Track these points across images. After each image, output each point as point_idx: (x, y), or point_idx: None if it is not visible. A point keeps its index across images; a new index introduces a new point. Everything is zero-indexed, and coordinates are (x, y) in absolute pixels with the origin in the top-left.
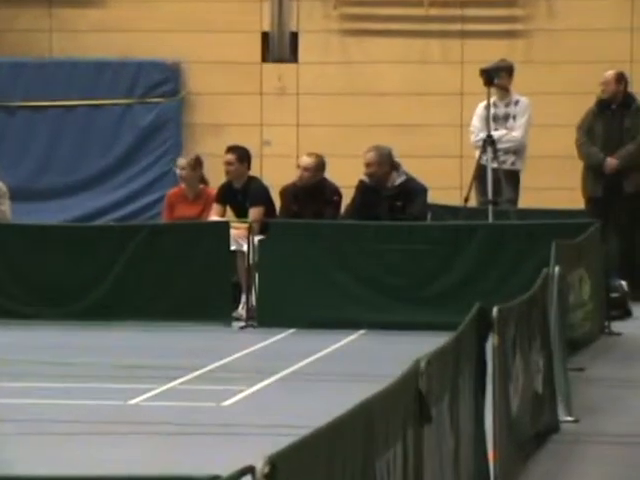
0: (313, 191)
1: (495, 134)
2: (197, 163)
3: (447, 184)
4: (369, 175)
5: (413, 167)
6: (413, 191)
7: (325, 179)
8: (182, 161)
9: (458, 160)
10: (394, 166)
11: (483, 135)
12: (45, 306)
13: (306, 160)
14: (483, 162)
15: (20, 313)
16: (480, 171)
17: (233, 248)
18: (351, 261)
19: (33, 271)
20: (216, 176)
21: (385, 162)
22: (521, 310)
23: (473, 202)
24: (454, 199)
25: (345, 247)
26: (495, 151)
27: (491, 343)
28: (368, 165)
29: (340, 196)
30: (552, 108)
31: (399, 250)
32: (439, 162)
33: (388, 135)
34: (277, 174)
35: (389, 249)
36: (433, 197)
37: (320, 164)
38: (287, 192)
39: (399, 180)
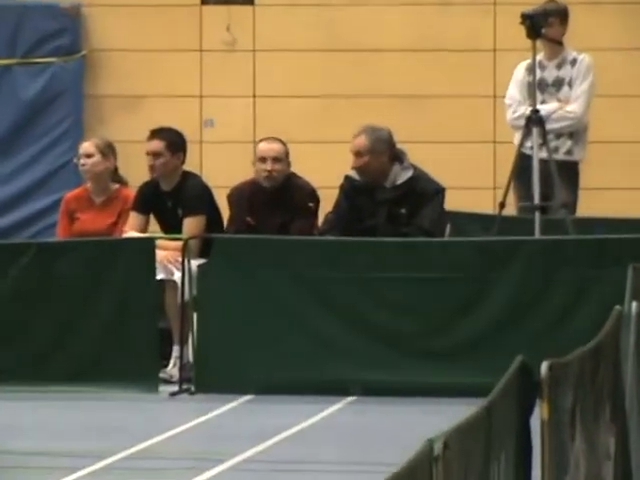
0: (277, 194)
1: (543, 109)
2: (108, 151)
3: (474, 182)
4: (359, 169)
5: (423, 158)
6: (423, 192)
7: (294, 177)
8: (86, 147)
9: (489, 147)
10: (395, 156)
11: (525, 110)
12: None
13: (273, 148)
14: (526, 150)
15: None
16: (522, 163)
17: (160, 277)
18: (333, 295)
19: None
20: (135, 172)
21: (382, 150)
22: (583, 366)
23: (512, 209)
24: (484, 204)
25: (325, 275)
26: (544, 134)
27: (538, 415)
28: (358, 154)
29: (317, 201)
30: (625, 71)
31: (403, 279)
32: (462, 150)
33: (387, 111)
34: (224, 169)
35: (388, 278)
36: (453, 201)
37: (288, 153)
38: (239, 196)
39: (403, 177)
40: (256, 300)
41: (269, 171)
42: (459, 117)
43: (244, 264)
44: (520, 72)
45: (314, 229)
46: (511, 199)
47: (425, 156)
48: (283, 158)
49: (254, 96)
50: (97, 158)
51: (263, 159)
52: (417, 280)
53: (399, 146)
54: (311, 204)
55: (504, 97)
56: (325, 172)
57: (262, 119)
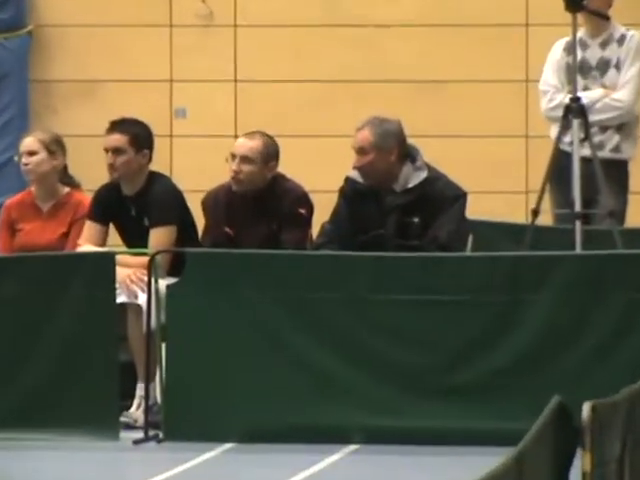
0: (261, 200)
1: (585, 96)
2: (56, 147)
3: (502, 185)
4: (363, 170)
5: (440, 155)
6: (440, 198)
7: (282, 179)
8: (28, 143)
9: (520, 143)
10: (406, 154)
11: (564, 98)
12: None
13: (244, 145)
14: (564, 146)
15: None
16: (559, 162)
17: (121, 300)
18: (331, 323)
19: None
20: (91, 173)
21: (390, 146)
22: (632, 408)
23: (547, 217)
24: (514, 212)
25: (321, 297)
26: (586, 127)
27: (579, 467)
28: (361, 151)
29: (310, 207)
30: None
31: (414, 303)
32: (487, 146)
33: (396, 99)
34: (199, 169)
35: (397, 301)
36: (476, 209)
37: (271, 152)
38: (216, 202)
39: (415, 179)
40: (238, 328)
41: (235, 172)
42: (483, 106)
43: (223, 284)
44: (557, 52)
45: (307, 241)
46: (547, 205)
47: (442, 154)
48: (256, 158)
49: (235, 80)
50: (42, 156)
51: (233, 156)
52: (431, 304)
53: (411, 141)
54: (302, 211)
55: (538, 82)
56: (322, 173)
57: (245, 108)
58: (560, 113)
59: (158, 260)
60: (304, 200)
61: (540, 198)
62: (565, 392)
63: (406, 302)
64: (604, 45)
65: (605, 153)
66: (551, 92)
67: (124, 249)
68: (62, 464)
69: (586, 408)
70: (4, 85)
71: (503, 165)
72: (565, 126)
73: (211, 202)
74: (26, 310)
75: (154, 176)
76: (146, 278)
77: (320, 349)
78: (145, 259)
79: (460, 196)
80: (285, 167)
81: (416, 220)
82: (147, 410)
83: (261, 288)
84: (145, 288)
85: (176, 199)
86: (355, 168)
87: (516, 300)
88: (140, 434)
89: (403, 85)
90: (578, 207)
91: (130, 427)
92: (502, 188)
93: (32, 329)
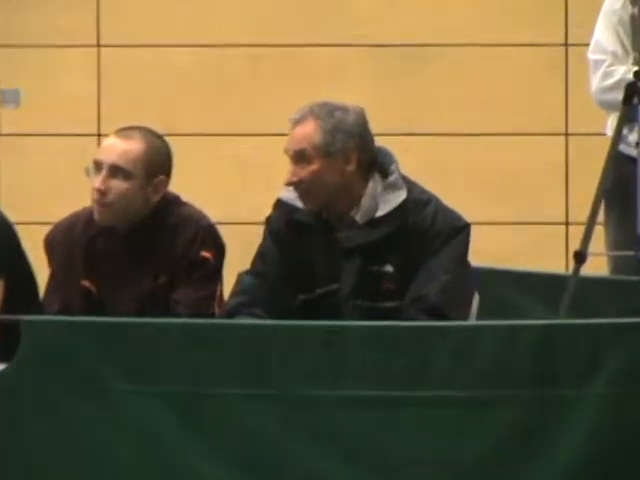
0: (142, 237)
1: None
2: None
3: (524, 212)
4: (303, 188)
5: (430, 164)
6: (427, 232)
7: (176, 204)
8: None
9: (559, 144)
10: (372, 162)
11: (628, 72)
12: None
13: (114, 148)
14: (629, 148)
15: None
16: (621, 173)
17: None
18: (249, 434)
19: None
20: None
21: (346, 150)
22: None
23: (600, 263)
24: (547, 254)
25: (227, 394)
26: None
27: None
28: (299, 158)
29: (219, 249)
30: None
31: (384, 402)
32: (502, 148)
33: (361, 78)
34: (42, 188)
35: (357, 399)
36: (487, 249)
37: (158, 161)
38: (67, 240)
39: (388, 203)
40: (102, 435)
41: (99, 192)
42: (498, 85)
43: (78, 370)
44: (617, 2)
45: (214, 303)
46: (598, 244)
47: (432, 161)
48: (134, 171)
49: (98, 45)
50: None
51: (96, 167)
52: (416, 404)
53: (380, 143)
54: (207, 254)
55: (586, 47)
56: (237, 193)
57: (114, 90)
58: (621, 95)
59: None
60: (210, 237)
61: (588, 233)
62: None
63: (369, 400)
64: None
65: None
66: (607, 62)
67: None
68: None
69: None
70: None
71: (530, 178)
72: (630, 116)
73: (60, 240)
74: None
75: None
76: None
77: (230, 471)
78: None
79: (460, 229)
80: (180, 184)
81: (389, 269)
82: None
83: (138, 377)
84: None
85: (2, 237)
86: (290, 185)
87: (552, 397)
88: None
89: (372, 53)
90: None
91: None
92: (525, 216)
93: None
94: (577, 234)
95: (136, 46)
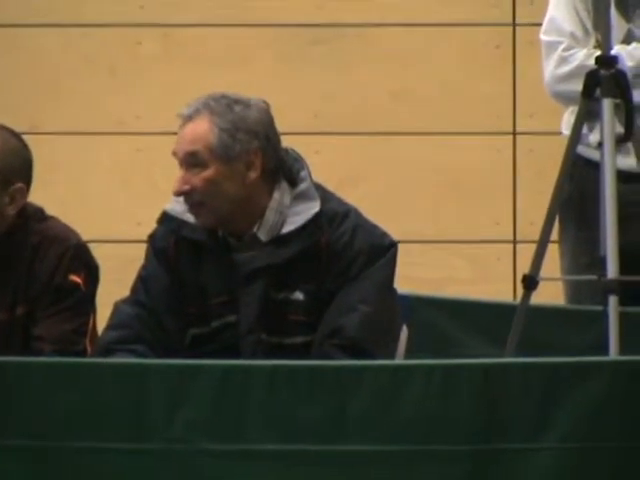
0: None
1: (629, 53)
2: None
3: (467, 226)
4: (194, 199)
5: (346, 170)
6: (348, 252)
7: (38, 218)
8: None
9: (505, 143)
10: (278, 168)
11: (589, 57)
12: None
13: None
14: (589, 151)
15: None
16: (582, 180)
17: None
18: None
19: None
20: None
21: (240, 154)
22: None
23: (553, 290)
24: (491, 278)
25: (109, 448)
26: (629, 113)
27: None
28: (190, 162)
29: (91, 273)
30: None
31: (304, 459)
32: (437, 148)
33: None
34: None
35: (260, 456)
36: (418, 273)
37: (14, 165)
38: None
39: (298, 216)
40: None
41: None
42: (429, 74)
43: None
44: None
45: (85, 337)
46: (551, 267)
47: (350, 165)
48: None
49: None
50: None
51: None
52: (329, 460)
53: (288, 144)
54: (75, 278)
55: (538, 28)
56: (117, 204)
57: None
58: (580, 85)
59: None
60: (79, 258)
61: (540, 253)
62: None
63: (276, 457)
64: None
65: None
66: (564, 45)
67: None
68: None
69: None
70: None
71: (465, 189)
72: (590, 111)
73: None
74: None
75: None
76: None
77: None
78: None
79: (385, 248)
80: (43, 195)
81: (299, 297)
82: None
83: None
84: None
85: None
86: (179, 194)
87: (496, 452)
88: None
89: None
90: (613, 270)
91: None
92: (463, 233)
93: None
94: (527, 254)
95: None
